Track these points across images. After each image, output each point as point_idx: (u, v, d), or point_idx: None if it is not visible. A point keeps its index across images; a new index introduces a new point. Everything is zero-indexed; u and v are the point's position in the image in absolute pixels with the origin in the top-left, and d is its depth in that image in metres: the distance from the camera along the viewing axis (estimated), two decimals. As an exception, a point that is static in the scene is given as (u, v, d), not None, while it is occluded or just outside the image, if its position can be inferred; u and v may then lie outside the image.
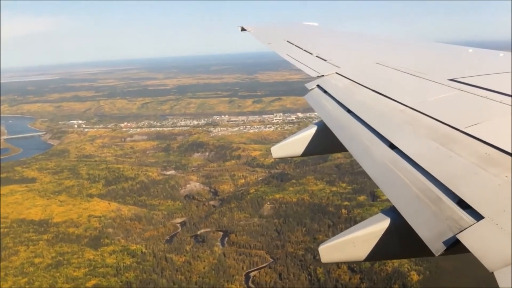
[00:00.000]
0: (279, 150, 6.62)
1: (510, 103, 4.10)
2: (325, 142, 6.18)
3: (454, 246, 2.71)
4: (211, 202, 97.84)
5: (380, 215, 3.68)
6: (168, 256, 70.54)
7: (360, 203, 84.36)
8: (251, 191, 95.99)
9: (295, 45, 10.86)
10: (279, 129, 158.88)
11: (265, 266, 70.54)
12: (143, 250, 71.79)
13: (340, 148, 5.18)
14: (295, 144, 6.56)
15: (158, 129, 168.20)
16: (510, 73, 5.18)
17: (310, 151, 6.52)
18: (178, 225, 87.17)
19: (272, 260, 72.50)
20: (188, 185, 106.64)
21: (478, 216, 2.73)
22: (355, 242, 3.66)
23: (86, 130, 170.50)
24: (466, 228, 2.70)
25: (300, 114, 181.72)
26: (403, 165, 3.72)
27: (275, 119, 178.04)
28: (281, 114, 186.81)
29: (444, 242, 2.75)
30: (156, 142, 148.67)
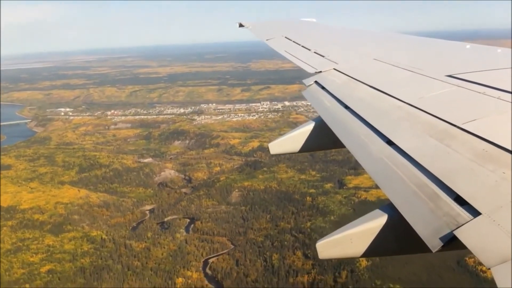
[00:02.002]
0: (276, 147, 6.56)
1: (508, 100, 4.09)
2: (323, 138, 6.18)
3: (451, 242, 2.72)
4: (183, 190, 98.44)
5: (378, 211, 3.70)
6: (128, 243, 71.39)
7: (326, 191, 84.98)
8: (221, 178, 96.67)
9: (293, 41, 10.85)
10: (262, 117, 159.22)
11: (224, 253, 71.39)
12: (103, 236, 72.59)
13: (338, 144, 5.16)
14: (293, 140, 6.50)
15: (142, 117, 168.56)
16: (508, 69, 5.18)
17: (308, 147, 6.46)
18: (147, 212, 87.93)
19: (232, 246, 73.36)
20: (162, 173, 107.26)
21: (475, 213, 2.73)
22: (352, 238, 3.66)
23: (71, 118, 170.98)
24: (463, 224, 2.70)
25: (287, 103, 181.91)
26: (401, 161, 3.73)
27: (261, 108, 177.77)
28: (268, 102, 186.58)
29: (441, 239, 2.76)
30: (139, 130, 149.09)
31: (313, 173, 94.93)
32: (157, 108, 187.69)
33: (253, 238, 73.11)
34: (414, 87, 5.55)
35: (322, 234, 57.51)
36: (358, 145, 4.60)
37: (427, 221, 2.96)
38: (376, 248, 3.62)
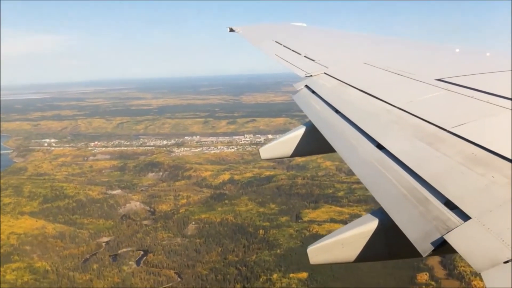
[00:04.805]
0: (267, 152, 6.61)
1: (497, 103, 4.10)
2: (314, 142, 6.19)
3: (442, 246, 2.73)
4: (144, 222, 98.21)
5: (369, 216, 3.69)
6: (71, 274, 71.19)
7: (279, 224, 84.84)
8: (181, 211, 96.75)
9: (284, 46, 10.81)
10: (240, 150, 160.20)
11: (168, 286, 70.96)
12: (47, 267, 72.42)
13: (329, 148, 5.18)
14: (284, 145, 6.55)
15: (123, 148, 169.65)
16: (497, 73, 5.27)
17: (299, 151, 6.50)
18: (104, 244, 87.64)
19: (179, 279, 72.99)
20: (128, 204, 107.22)
21: (465, 217, 2.73)
22: (343, 243, 3.66)
23: (53, 149, 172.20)
24: (453, 228, 2.71)
25: (270, 136, 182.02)
26: (390, 165, 3.72)
27: (243, 140, 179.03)
28: (252, 135, 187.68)
29: (432, 243, 2.76)
30: (117, 161, 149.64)
31: (273, 206, 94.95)
32: (141, 140, 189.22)
33: (199, 271, 72.83)
34: (404, 91, 5.59)
35: (264, 267, 57.49)
36: (348, 149, 4.63)
37: (417, 225, 2.96)
38: (367, 253, 3.64)
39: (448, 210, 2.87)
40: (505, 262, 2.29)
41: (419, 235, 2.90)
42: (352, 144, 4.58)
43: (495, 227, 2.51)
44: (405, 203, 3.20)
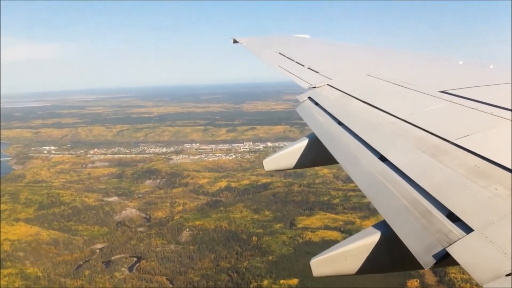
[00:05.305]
0: (270, 163, 6.61)
1: (500, 115, 4.10)
2: (317, 154, 6.21)
3: (444, 259, 2.71)
4: (140, 229, 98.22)
5: (371, 228, 3.68)
6: (62, 280, 71.23)
7: (273, 231, 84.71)
8: (175, 217, 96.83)
9: (287, 57, 10.85)
10: (239, 157, 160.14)
11: (159, 292, 70.97)
12: (39, 273, 72.48)
13: (331, 160, 5.18)
14: (287, 157, 6.56)
15: (122, 156, 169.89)
16: (501, 85, 5.30)
17: (302, 163, 6.51)
18: (97, 250, 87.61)
19: (170, 286, 72.93)
20: (123, 211, 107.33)
21: (467, 229, 2.72)
22: (346, 256, 3.65)
23: (52, 156, 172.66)
24: (456, 241, 2.70)
25: (269, 144, 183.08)
26: (393, 177, 3.71)
27: (242, 148, 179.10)
28: (251, 143, 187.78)
29: (434, 256, 2.75)
30: (115, 168, 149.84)
31: (267, 213, 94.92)
32: (140, 147, 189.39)
33: (191, 278, 72.75)
34: (407, 103, 5.58)
35: (255, 273, 57.41)
36: (351, 161, 4.61)
37: (420, 238, 2.95)
38: (370, 265, 3.62)
39: (451, 223, 2.86)
40: (508, 275, 2.27)
41: (421, 247, 2.89)
42: (355, 156, 4.57)
43: (498, 240, 2.50)
44: (408, 215, 3.20)
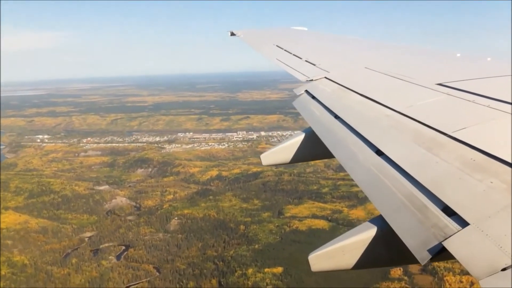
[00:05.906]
0: (268, 158, 6.61)
1: (497, 108, 4.11)
2: (313, 148, 6.18)
3: (441, 253, 2.72)
4: (129, 217, 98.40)
5: (368, 223, 3.67)
6: (49, 268, 71.43)
7: (261, 220, 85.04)
8: (165, 206, 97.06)
9: (285, 50, 10.85)
10: (231, 147, 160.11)
11: (146, 280, 71.24)
12: (26, 261, 72.70)
13: (328, 154, 5.13)
14: (284, 151, 6.55)
15: (115, 145, 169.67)
16: (498, 77, 5.32)
17: (299, 158, 6.51)
18: (86, 239, 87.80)
19: (158, 274, 73.26)
20: (114, 200, 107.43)
21: (463, 223, 2.72)
22: (344, 250, 3.64)
23: (45, 145, 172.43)
24: (452, 235, 2.69)
25: (263, 133, 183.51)
26: (389, 171, 3.71)
27: (236, 137, 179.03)
28: (245, 132, 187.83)
29: (430, 250, 2.75)
30: (108, 157, 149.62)
31: (256, 201, 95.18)
32: (133, 136, 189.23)
33: (178, 266, 73.10)
34: (404, 95, 5.56)
35: (241, 262, 57.71)
36: (347, 155, 4.59)
37: (416, 232, 2.95)
38: (368, 260, 3.62)
39: (447, 217, 2.86)
40: (503, 270, 2.28)
41: (417, 242, 2.88)
42: (351, 150, 4.55)
43: (494, 233, 2.50)
44: (404, 210, 3.20)
